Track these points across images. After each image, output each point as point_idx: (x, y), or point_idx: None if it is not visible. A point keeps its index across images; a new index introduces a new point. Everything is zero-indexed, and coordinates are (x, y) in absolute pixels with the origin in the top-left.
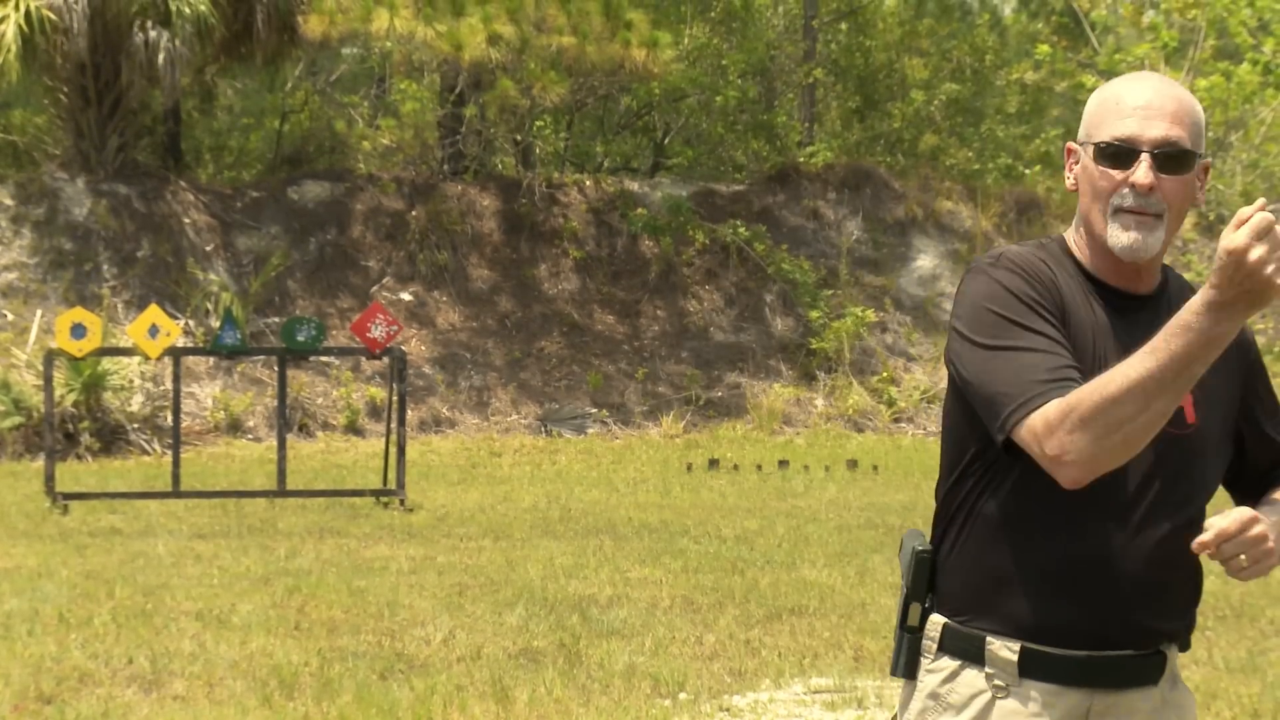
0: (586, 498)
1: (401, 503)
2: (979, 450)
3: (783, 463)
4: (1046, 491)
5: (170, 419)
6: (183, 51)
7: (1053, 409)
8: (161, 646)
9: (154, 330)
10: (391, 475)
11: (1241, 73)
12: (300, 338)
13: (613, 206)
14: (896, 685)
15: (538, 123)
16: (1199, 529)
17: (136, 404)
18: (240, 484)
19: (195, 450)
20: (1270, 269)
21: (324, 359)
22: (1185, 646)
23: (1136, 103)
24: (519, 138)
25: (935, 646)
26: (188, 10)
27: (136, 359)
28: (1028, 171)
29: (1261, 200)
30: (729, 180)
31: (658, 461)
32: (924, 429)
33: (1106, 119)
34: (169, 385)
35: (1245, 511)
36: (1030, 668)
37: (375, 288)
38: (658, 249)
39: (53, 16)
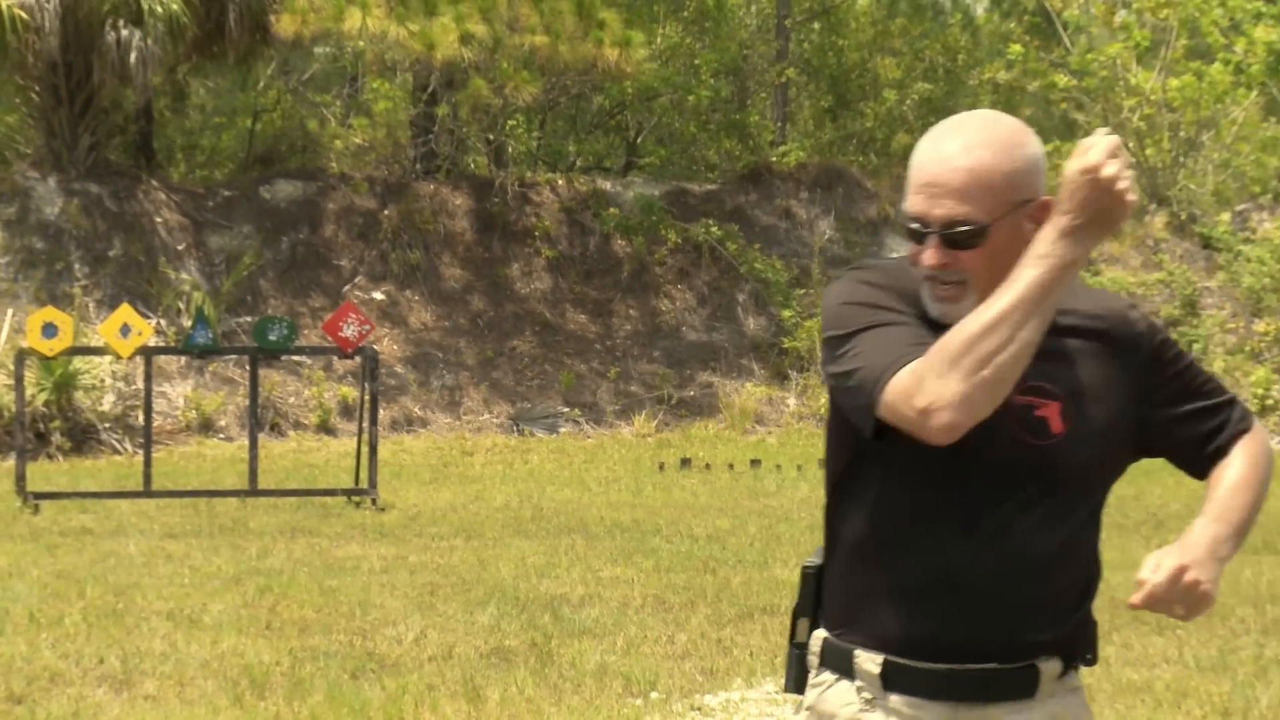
0: (558, 497)
1: (373, 502)
2: (843, 471)
3: (755, 462)
4: (905, 509)
5: (142, 418)
6: (154, 50)
7: (917, 363)
8: (132, 646)
9: (125, 329)
10: (363, 474)
11: (1213, 72)
12: (272, 337)
13: (585, 206)
14: None
15: (510, 122)
16: (1083, 539)
17: (108, 403)
18: (212, 483)
19: (167, 450)
20: (1122, 184)
21: (296, 358)
22: (1082, 659)
23: (923, 178)
24: (491, 137)
25: (818, 661)
26: (159, 9)
27: (108, 358)
28: None
29: (1105, 129)
30: (701, 180)
31: (630, 461)
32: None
33: (909, 186)
34: (140, 384)
35: (1172, 562)
36: (893, 680)
37: (347, 287)
38: (630, 248)
39: (24, 15)
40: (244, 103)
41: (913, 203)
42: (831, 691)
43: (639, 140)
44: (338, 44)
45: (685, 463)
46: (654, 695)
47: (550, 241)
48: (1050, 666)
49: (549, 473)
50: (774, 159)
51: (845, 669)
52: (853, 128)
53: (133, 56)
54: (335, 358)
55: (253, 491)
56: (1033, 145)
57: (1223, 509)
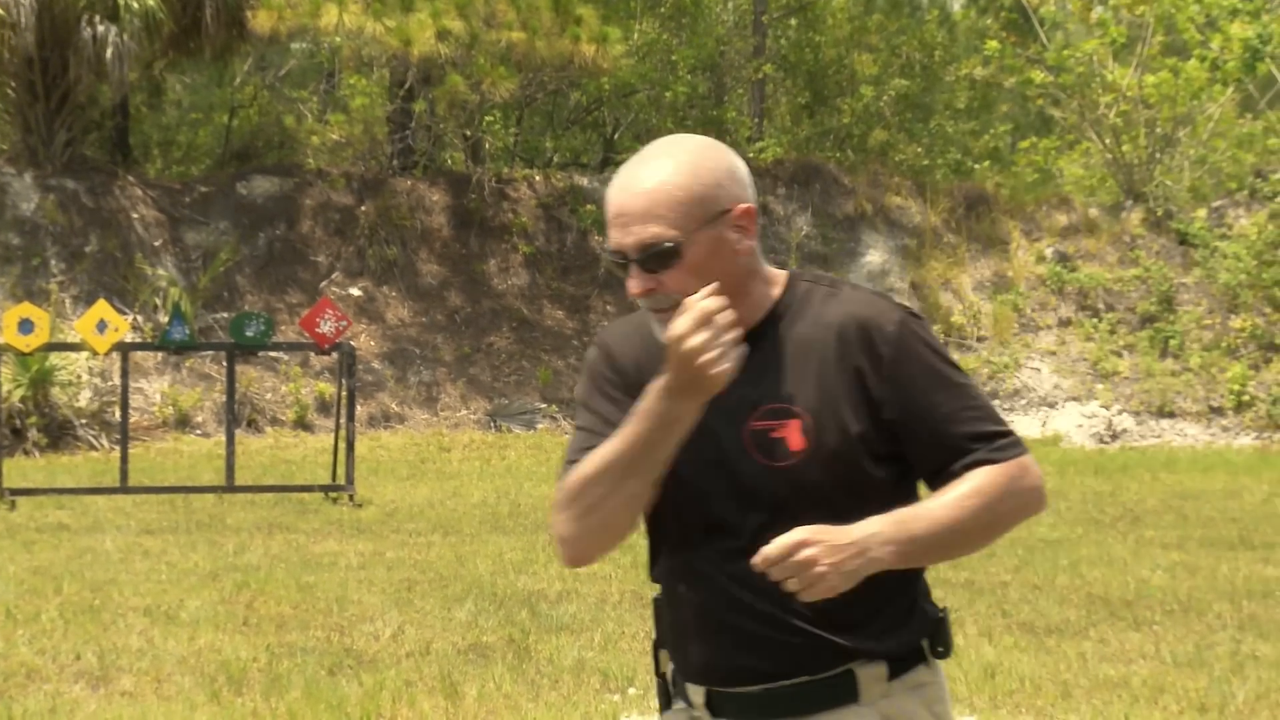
0: (536, 493)
1: (351, 498)
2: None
3: None
4: (677, 546)
5: (118, 414)
6: (131, 46)
7: (557, 490)
8: (109, 642)
9: (102, 325)
10: (340, 471)
11: (1189, 69)
12: (249, 333)
13: (562, 202)
14: None
15: (487, 118)
16: None
17: (84, 399)
18: (189, 479)
19: (143, 446)
20: (707, 357)
21: (273, 354)
22: (932, 653)
23: (612, 212)
24: (468, 133)
25: (673, 689)
26: (136, 5)
27: (84, 354)
28: (976, 167)
29: (713, 285)
30: None
31: None
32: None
33: (607, 225)
34: (117, 380)
35: (796, 535)
36: (717, 708)
37: (324, 283)
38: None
39: (0, 11)
40: (220, 98)
41: (610, 238)
42: (673, 715)
43: (616, 136)
44: (314, 40)
45: None
46: (631, 691)
47: (527, 237)
48: (870, 670)
49: (526, 469)
50: (751, 155)
51: (686, 698)
52: (830, 124)
53: (109, 52)
54: (312, 354)
55: (230, 488)
56: (720, 156)
57: (909, 514)
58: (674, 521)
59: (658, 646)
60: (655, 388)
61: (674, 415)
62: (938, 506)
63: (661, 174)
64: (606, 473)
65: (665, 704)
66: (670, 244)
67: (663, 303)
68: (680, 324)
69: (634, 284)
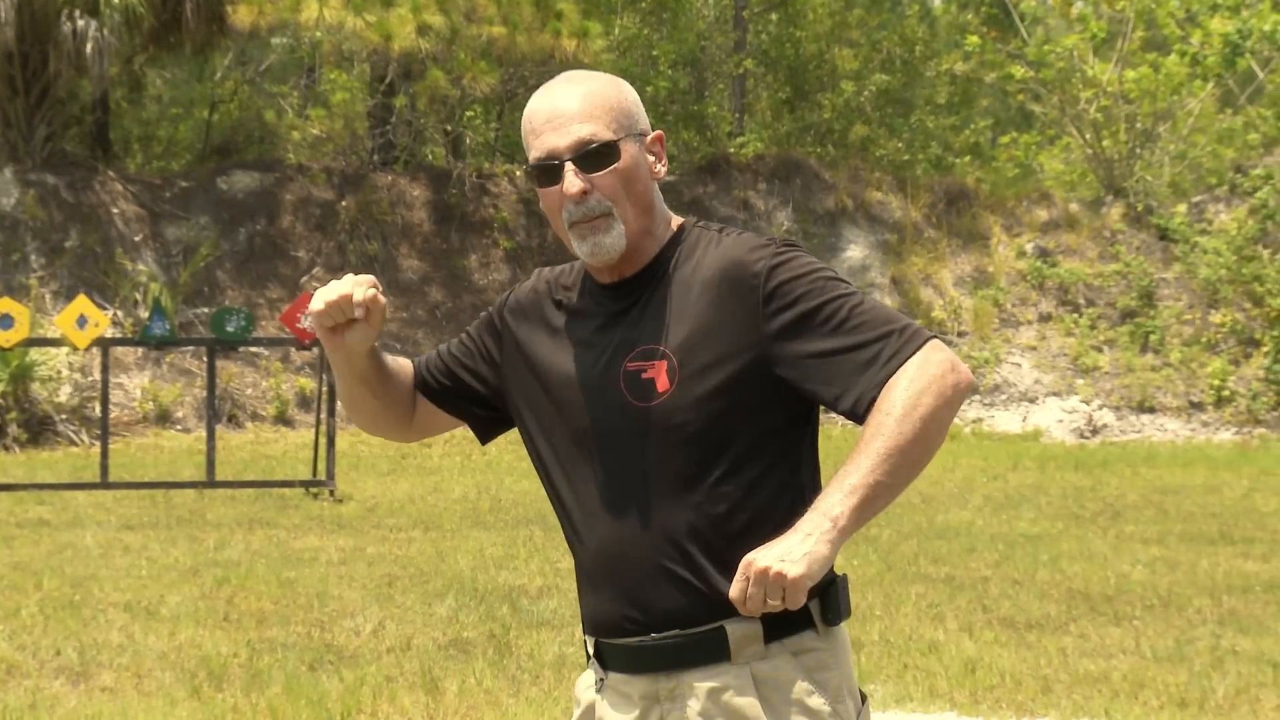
0: (517, 488)
1: (331, 493)
2: None
3: None
4: (558, 495)
5: (98, 410)
6: (111, 41)
7: None
8: (89, 638)
9: (82, 320)
10: (321, 466)
11: (1169, 64)
12: (229, 328)
13: None
14: None
15: (468, 113)
16: (741, 495)
17: (64, 395)
18: (169, 475)
19: (124, 441)
20: (322, 323)
21: (253, 349)
22: (821, 619)
23: (544, 116)
24: (449, 128)
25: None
26: (116, 0)
27: (64, 349)
28: (957, 162)
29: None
30: None
31: None
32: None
33: (529, 141)
34: (97, 376)
35: (746, 560)
36: (605, 659)
37: (305, 278)
38: None
39: None
40: (201, 93)
41: (539, 146)
42: (582, 676)
43: None
44: (295, 35)
45: None
46: None
47: (508, 232)
48: (742, 628)
49: (507, 464)
50: (732, 150)
51: (588, 654)
52: (810, 119)
53: (89, 47)
54: (293, 349)
55: (210, 483)
56: (628, 86)
57: (840, 475)
58: (562, 468)
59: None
60: None
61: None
62: (860, 448)
63: (590, 85)
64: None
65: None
66: (607, 143)
67: (595, 209)
68: (320, 293)
69: (570, 184)
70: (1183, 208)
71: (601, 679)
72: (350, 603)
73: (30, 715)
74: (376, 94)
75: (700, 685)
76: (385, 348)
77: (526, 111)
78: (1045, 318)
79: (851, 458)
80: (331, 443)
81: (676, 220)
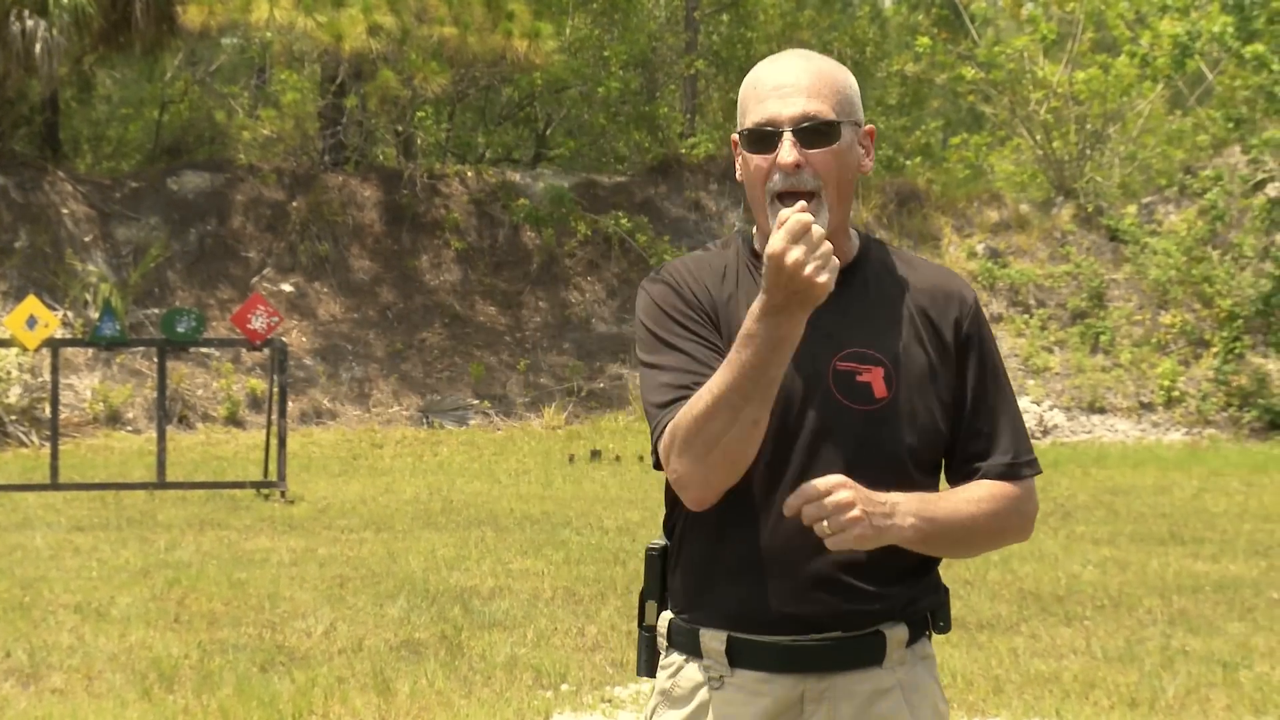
0: (468, 489)
1: (282, 495)
2: None
3: None
4: (735, 486)
5: (48, 410)
6: (60, 41)
7: (668, 434)
8: (40, 639)
9: (32, 321)
10: (272, 467)
11: (1119, 65)
12: (180, 329)
13: (494, 197)
14: None
15: (419, 113)
16: None
17: (14, 396)
18: (119, 476)
19: (74, 442)
20: (809, 269)
21: (204, 350)
22: (934, 626)
23: (772, 84)
24: (400, 128)
25: (666, 643)
26: (65, 0)
27: (14, 350)
28: (908, 163)
29: (801, 203)
30: (611, 171)
31: (540, 453)
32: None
33: (749, 106)
34: (47, 377)
35: (835, 477)
36: (738, 656)
37: (256, 279)
38: (539, 240)
39: None
40: (151, 94)
41: (759, 111)
42: (681, 673)
43: (548, 132)
44: (245, 35)
45: (595, 455)
46: (564, 687)
47: (459, 233)
48: (897, 633)
49: (459, 465)
50: (683, 151)
51: (693, 649)
52: None
53: (38, 47)
54: (244, 350)
55: (161, 484)
56: (852, 76)
57: (933, 497)
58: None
59: (645, 598)
60: (755, 310)
61: (780, 334)
62: (960, 500)
63: (822, 64)
64: (723, 404)
65: (650, 657)
66: (830, 122)
67: (807, 183)
68: (777, 239)
69: (787, 153)
70: (1133, 209)
71: (721, 676)
72: (302, 604)
73: None
74: (327, 94)
75: (854, 688)
76: (334, 349)
77: (752, 76)
78: (996, 318)
79: (956, 504)
80: (283, 444)
81: (851, 229)
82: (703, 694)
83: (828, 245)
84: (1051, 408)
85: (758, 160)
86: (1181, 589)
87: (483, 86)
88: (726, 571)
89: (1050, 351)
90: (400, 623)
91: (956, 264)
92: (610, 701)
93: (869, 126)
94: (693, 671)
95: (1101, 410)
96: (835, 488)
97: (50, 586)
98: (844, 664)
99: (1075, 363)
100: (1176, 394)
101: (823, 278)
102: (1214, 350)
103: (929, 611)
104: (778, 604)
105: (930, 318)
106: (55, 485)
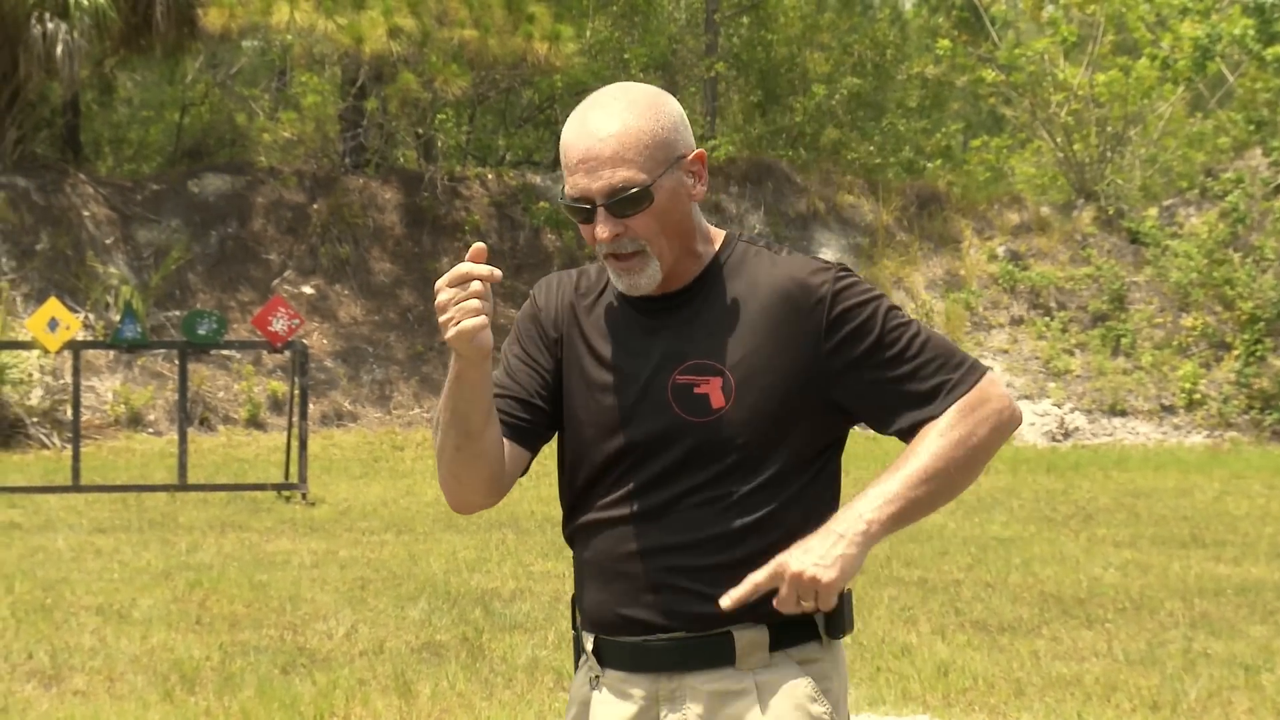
0: None
1: (303, 497)
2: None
3: None
4: (588, 494)
5: (70, 413)
6: (81, 44)
7: None
8: (61, 641)
9: (53, 324)
10: (293, 469)
11: (1140, 68)
12: (201, 331)
13: (515, 200)
14: None
15: (439, 116)
16: (775, 509)
17: (36, 398)
18: (141, 478)
19: (95, 444)
20: (443, 317)
21: (225, 352)
22: (830, 631)
23: (578, 155)
24: (420, 131)
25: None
26: (86, 3)
27: (36, 352)
28: (929, 165)
29: (478, 247)
30: None
31: None
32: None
33: (565, 170)
34: (69, 379)
35: (769, 566)
36: (604, 656)
37: (276, 281)
38: (560, 242)
39: None
40: (172, 96)
41: (572, 184)
42: (578, 674)
43: None
44: (266, 37)
45: None
46: None
47: (480, 235)
48: (750, 635)
49: None
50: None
51: (580, 650)
52: (782, 122)
53: (59, 50)
54: (265, 352)
55: (182, 486)
56: (671, 104)
57: (885, 477)
58: (581, 467)
59: (574, 601)
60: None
61: (456, 370)
62: (906, 462)
63: (626, 119)
64: (438, 426)
65: (576, 656)
66: (640, 188)
67: (628, 247)
68: (440, 281)
69: (601, 229)
70: (1154, 211)
71: (597, 676)
72: (323, 606)
73: (2, 718)
74: (348, 97)
75: (702, 688)
76: (355, 351)
77: (563, 139)
78: (1017, 321)
79: (897, 466)
80: (303, 446)
81: (718, 233)
82: (586, 693)
83: (471, 304)
84: (1073, 410)
85: (583, 227)
86: (1203, 592)
87: (503, 89)
88: (586, 577)
89: (1071, 354)
90: (421, 625)
91: (977, 266)
92: None
93: (697, 151)
94: (582, 671)
95: (1123, 413)
96: (777, 574)
97: (72, 588)
98: (690, 664)
99: (1096, 365)
100: (1198, 397)
101: (448, 332)
102: (1235, 353)
103: (807, 618)
104: (622, 606)
105: (781, 315)
106: (77, 487)
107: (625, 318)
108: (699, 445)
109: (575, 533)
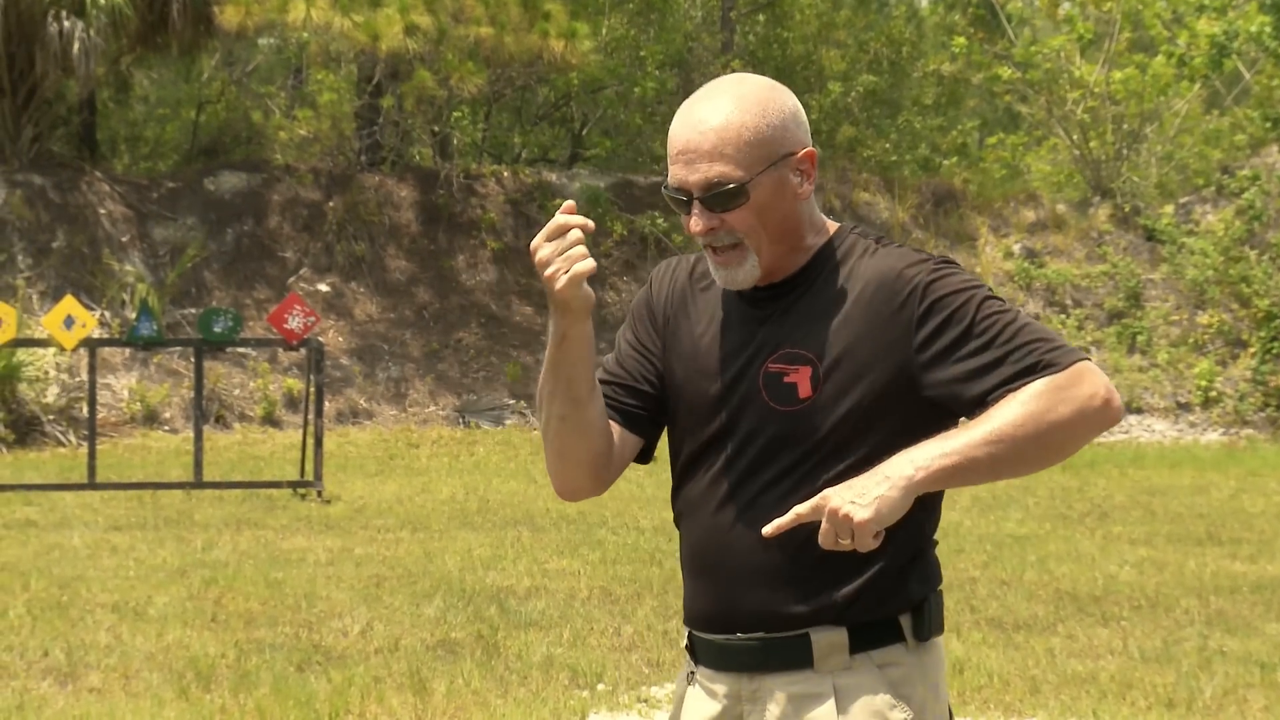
0: (504, 489)
1: (319, 494)
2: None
3: None
4: (682, 489)
5: (86, 410)
6: (97, 42)
7: None
8: (77, 639)
9: (69, 321)
10: (309, 467)
11: (1156, 65)
12: (217, 329)
13: (531, 197)
14: None
15: (455, 113)
16: None
17: (52, 395)
18: (156, 475)
19: (111, 442)
20: (549, 270)
21: (241, 350)
22: (914, 633)
23: (678, 145)
24: (436, 128)
25: None
26: (102, 0)
27: (52, 350)
28: (944, 163)
29: (569, 203)
30: (647, 171)
31: None
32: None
33: (669, 160)
34: (84, 376)
35: (818, 496)
36: (696, 653)
37: (292, 279)
38: None
39: None
40: (188, 94)
41: (673, 174)
42: (683, 666)
43: (584, 132)
44: (282, 35)
45: None
46: (600, 687)
47: (496, 233)
48: (828, 637)
49: (495, 465)
50: None
51: (686, 644)
52: None
53: (75, 48)
54: (280, 350)
55: (198, 484)
56: (784, 99)
57: (943, 435)
58: (680, 453)
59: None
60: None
61: (560, 330)
62: (977, 422)
63: (730, 114)
64: (541, 400)
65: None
66: (736, 184)
67: (723, 239)
68: (538, 236)
69: (696, 222)
70: (1170, 209)
71: (692, 671)
72: (338, 603)
73: (18, 716)
74: (364, 94)
75: (780, 691)
76: (370, 349)
77: (673, 124)
78: (1033, 318)
79: (966, 425)
80: (319, 443)
81: (832, 225)
82: (684, 688)
83: (577, 251)
84: None
85: (683, 217)
86: (1219, 589)
87: (519, 86)
88: (683, 568)
89: (1087, 351)
90: (436, 622)
91: (993, 264)
92: (646, 701)
93: (806, 150)
94: (684, 666)
95: (1138, 410)
96: (819, 505)
97: (88, 586)
98: (770, 665)
99: (1112, 363)
100: (1214, 394)
101: (559, 283)
102: (1251, 350)
103: (889, 619)
104: (708, 603)
105: (874, 307)
106: (93, 485)
107: (730, 305)
108: (783, 434)
109: (676, 520)
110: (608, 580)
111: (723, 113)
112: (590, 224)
